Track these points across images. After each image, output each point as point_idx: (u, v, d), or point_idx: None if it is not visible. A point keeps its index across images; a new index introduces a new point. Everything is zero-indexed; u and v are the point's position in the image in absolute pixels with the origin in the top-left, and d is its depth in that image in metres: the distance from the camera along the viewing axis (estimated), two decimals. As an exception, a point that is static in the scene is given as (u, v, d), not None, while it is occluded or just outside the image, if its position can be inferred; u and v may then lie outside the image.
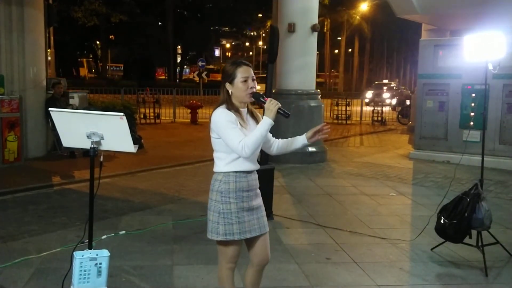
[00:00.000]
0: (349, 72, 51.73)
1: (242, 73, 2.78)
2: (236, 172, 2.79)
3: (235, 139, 2.69)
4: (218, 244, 2.87)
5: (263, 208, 2.96)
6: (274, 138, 3.02)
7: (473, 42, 4.75)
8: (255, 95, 2.80)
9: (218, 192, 2.80)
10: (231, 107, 2.79)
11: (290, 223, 5.51)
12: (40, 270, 4.02)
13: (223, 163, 2.80)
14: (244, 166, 2.80)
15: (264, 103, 2.75)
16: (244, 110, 2.85)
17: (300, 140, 2.95)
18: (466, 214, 4.25)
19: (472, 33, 4.84)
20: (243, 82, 2.77)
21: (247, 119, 2.84)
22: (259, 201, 2.91)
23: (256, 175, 2.92)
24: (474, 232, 4.36)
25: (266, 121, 2.70)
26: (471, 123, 8.80)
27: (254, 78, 2.83)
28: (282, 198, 6.54)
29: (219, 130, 2.74)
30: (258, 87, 2.94)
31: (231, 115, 2.75)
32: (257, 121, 2.85)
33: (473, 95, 9.04)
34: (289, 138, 3.00)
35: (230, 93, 2.81)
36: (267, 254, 2.98)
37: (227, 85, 2.81)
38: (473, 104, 8.94)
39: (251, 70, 2.84)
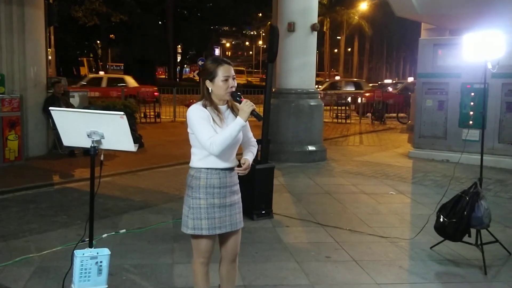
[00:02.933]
0: (349, 71, 51.73)
1: (223, 72, 2.81)
2: (207, 168, 2.82)
3: (204, 135, 2.73)
4: (191, 238, 2.92)
5: (239, 205, 2.97)
6: (253, 140, 3.03)
7: (472, 41, 4.76)
8: (233, 94, 2.83)
9: (190, 187, 2.86)
10: (210, 103, 2.84)
11: (290, 222, 5.53)
12: (41, 269, 4.04)
13: (196, 158, 2.85)
14: (216, 163, 2.83)
15: (240, 103, 2.78)
16: (223, 107, 2.88)
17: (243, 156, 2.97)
18: (465, 212, 4.27)
19: (471, 32, 4.85)
20: (223, 81, 2.80)
21: (225, 115, 2.87)
22: (234, 198, 2.93)
23: (233, 172, 2.92)
24: (473, 231, 4.38)
25: (238, 122, 2.73)
26: (470, 122, 8.80)
27: (235, 76, 2.87)
28: (282, 197, 6.55)
29: (192, 126, 2.80)
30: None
31: (204, 111, 2.80)
32: (236, 116, 2.86)
33: (472, 94, 9.05)
34: (245, 150, 3.00)
35: (210, 91, 2.84)
36: (236, 248, 3.02)
37: (207, 82, 2.84)
38: (472, 103, 8.95)
39: (232, 69, 2.86)
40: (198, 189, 2.82)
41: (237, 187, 2.97)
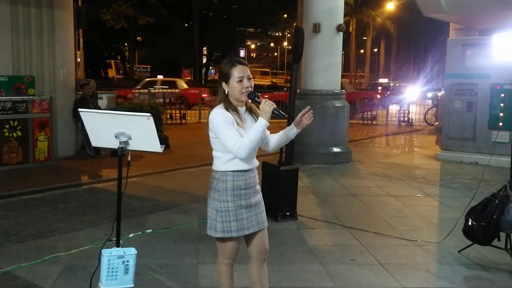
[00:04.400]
0: (375, 72, 51.18)
1: (238, 72, 2.79)
2: (233, 171, 2.81)
3: (230, 140, 2.71)
4: (216, 241, 2.92)
5: (262, 204, 2.97)
6: (272, 134, 3.02)
7: (503, 41, 4.66)
8: (250, 94, 2.81)
9: (216, 191, 2.84)
10: (229, 106, 2.82)
11: (314, 224, 5.50)
12: (69, 267, 4.12)
13: (220, 162, 2.84)
14: (242, 165, 2.82)
15: (259, 103, 2.75)
16: (242, 109, 2.87)
17: (291, 130, 2.94)
18: (494, 216, 4.18)
19: (502, 32, 4.75)
20: (238, 82, 2.78)
21: (245, 117, 2.86)
22: (258, 197, 2.93)
23: (255, 172, 2.93)
24: (502, 235, 4.28)
25: (261, 123, 2.71)
26: (500, 124, 8.62)
27: (251, 77, 2.83)
28: (307, 199, 6.53)
29: (216, 131, 2.78)
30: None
31: (227, 115, 2.77)
32: (255, 118, 2.85)
33: (502, 95, 8.86)
34: (282, 131, 2.99)
35: (226, 93, 2.83)
36: (266, 246, 3.00)
37: (223, 84, 2.84)
38: (502, 105, 8.76)
39: (247, 69, 2.84)
40: (225, 192, 2.82)
41: (259, 187, 2.97)
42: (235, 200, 2.82)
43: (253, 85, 2.85)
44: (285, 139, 2.99)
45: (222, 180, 2.83)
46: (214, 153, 2.88)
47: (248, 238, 2.96)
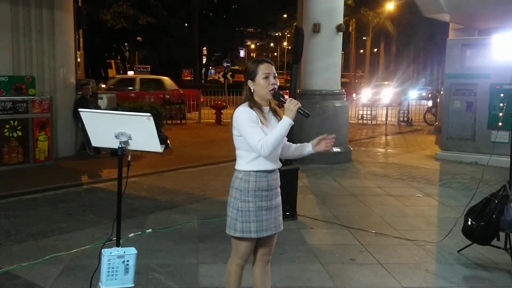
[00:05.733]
0: (375, 72, 51.18)
1: (263, 69, 2.81)
2: (256, 171, 2.81)
3: (255, 137, 2.71)
4: (233, 239, 2.91)
5: (281, 207, 2.98)
6: (289, 142, 3.03)
7: (502, 41, 4.68)
8: (275, 94, 2.82)
9: (238, 190, 2.83)
10: (254, 104, 2.82)
11: (314, 224, 5.51)
12: (69, 267, 4.12)
13: (244, 161, 2.83)
14: (265, 166, 2.82)
15: (284, 102, 2.75)
16: (266, 108, 2.87)
17: (307, 148, 2.97)
18: (494, 216, 4.19)
19: (501, 32, 4.76)
20: (264, 78, 2.80)
21: (269, 117, 2.86)
22: (278, 200, 2.93)
23: (278, 174, 2.93)
24: (502, 234, 4.29)
25: (286, 121, 2.71)
26: (500, 124, 8.61)
27: (276, 75, 2.85)
28: (307, 199, 6.54)
29: (240, 128, 2.77)
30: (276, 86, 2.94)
31: (252, 113, 2.77)
32: (279, 119, 2.85)
33: (502, 95, 8.86)
34: (299, 144, 3.02)
35: (252, 91, 2.84)
36: (272, 248, 3.03)
37: (249, 82, 2.84)
38: (501, 104, 8.76)
39: (273, 67, 2.86)
40: (247, 192, 2.81)
41: (279, 189, 2.96)
42: (256, 201, 2.81)
43: (278, 83, 2.85)
44: (298, 153, 3.02)
45: (245, 179, 2.82)
46: (238, 152, 2.87)
47: (262, 240, 2.95)
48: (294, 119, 2.72)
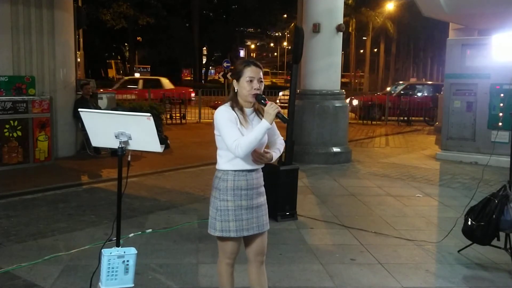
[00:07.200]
0: (375, 72, 51.19)
1: (249, 72, 2.81)
2: (235, 170, 2.83)
3: (230, 137, 2.73)
4: (217, 239, 2.93)
5: (266, 207, 2.97)
6: (280, 140, 3.03)
7: (502, 41, 4.67)
8: (257, 96, 2.83)
9: (217, 189, 2.86)
10: (236, 105, 2.84)
11: (314, 224, 5.51)
12: (69, 267, 4.12)
13: (223, 160, 2.86)
14: (243, 165, 2.83)
15: (265, 105, 2.76)
16: (249, 110, 2.88)
17: None
18: (494, 216, 4.19)
19: (501, 32, 4.76)
20: (248, 81, 2.80)
21: (250, 118, 2.87)
22: (261, 200, 2.93)
23: (260, 174, 2.94)
24: (502, 234, 4.29)
25: (263, 125, 2.71)
26: (500, 124, 8.63)
27: (262, 80, 2.86)
28: (306, 199, 6.54)
29: (219, 128, 2.80)
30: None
31: (232, 113, 2.80)
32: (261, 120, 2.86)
33: (502, 95, 8.87)
34: (272, 148, 3.00)
35: (236, 91, 2.86)
36: (264, 249, 3.01)
37: (234, 82, 2.87)
38: (501, 104, 8.77)
39: (260, 71, 2.86)
40: (226, 191, 2.83)
41: (263, 189, 2.98)
42: (235, 200, 2.83)
43: (262, 88, 2.86)
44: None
45: (223, 179, 2.84)
46: (218, 152, 2.90)
47: (247, 240, 2.96)
48: (287, 122, 2.75)
